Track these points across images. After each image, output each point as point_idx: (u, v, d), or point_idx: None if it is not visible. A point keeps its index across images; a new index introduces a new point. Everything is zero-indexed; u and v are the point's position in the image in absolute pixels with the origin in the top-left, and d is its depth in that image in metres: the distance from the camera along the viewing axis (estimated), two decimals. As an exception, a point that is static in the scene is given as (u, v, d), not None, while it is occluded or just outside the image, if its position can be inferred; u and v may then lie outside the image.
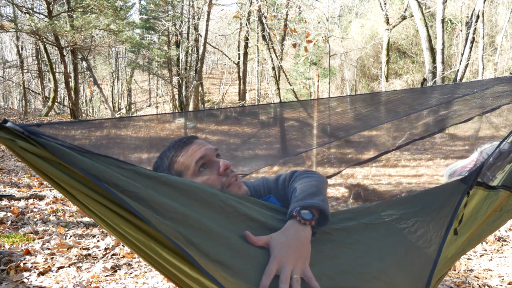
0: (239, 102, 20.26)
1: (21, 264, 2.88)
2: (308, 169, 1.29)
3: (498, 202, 1.38)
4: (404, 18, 17.48)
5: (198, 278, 0.93)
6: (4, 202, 4.46)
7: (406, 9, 16.99)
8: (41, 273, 2.81)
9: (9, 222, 3.84)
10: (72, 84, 14.23)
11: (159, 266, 1.01)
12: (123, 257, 3.15)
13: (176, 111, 19.26)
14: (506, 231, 3.81)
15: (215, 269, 0.88)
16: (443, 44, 11.02)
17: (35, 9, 14.14)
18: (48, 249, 3.22)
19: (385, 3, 17.42)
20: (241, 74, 20.54)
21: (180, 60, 19.71)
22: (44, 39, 13.22)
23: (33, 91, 24.67)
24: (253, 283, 0.90)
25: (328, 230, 1.04)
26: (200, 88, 16.56)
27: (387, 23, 17.54)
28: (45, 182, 5.73)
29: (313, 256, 0.98)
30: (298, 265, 0.95)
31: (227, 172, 1.17)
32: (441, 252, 1.08)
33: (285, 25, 18.48)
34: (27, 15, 13.21)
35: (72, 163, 0.83)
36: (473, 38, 10.80)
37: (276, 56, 12.50)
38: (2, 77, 22.60)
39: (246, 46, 19.54)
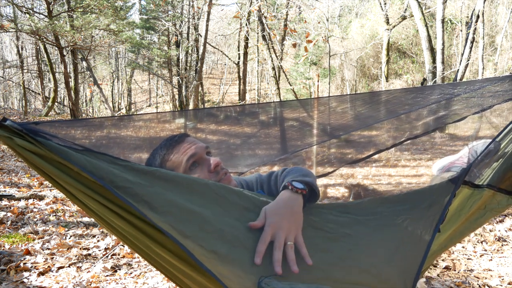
0: (239, 102, 20.25)
1: (21, 264, 2.88)
2: (299, 166, 1.31)
3: (482, 200, 1.38)
4: (404, 18, 17.48)
5: (192, 274, 0.93)
6: (4, 202, 4.46)
7: (406, 9, 16.98)
8: (41, 273, 2.81)
9: (9, 222, 3.84)
10: (72, 84, 14.23)
11: (155, 263, 1.02)
12: (123, 257, 3.15)
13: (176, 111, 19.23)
14: (506, 231, 3.81)
15: (210, 260, 0.89)
16: (443, 44, 11.02)
17: (35, 9, 14.14)
18: (48, 249, 3.22)
19: (385, 3, 17.42)
20: (241, 74, 20.53)
21: (180, 60, 19.71)
22: (44, 39, 13.22)
23: (33, 91, 24.67)
24: (248, 271, 0.92)
25: (321, 224, 1.07)
26: (200, 88, 16.56)
27: (387, 23, 17.53)
28: (45, 182, 5.73)
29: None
30: (291, 232, 0.98)
31: (217, 170, 1.19)
32: (429, 249, 1.10)
33: (285, 25, 18.48)
34: (27, 15, 13.21)
35: (70, 160, 0.84)
36: (473, 38, 10.80)
37: (276, 56, 12.50)
38: (2, 77, 22.60)
39: (246, 46, 19.53)
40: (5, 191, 4.97)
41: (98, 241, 3.47)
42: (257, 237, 0.97)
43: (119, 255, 3.17)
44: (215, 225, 0.94)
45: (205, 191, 0.98)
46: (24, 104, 18.05)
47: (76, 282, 2.68)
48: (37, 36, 12.84)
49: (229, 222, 0.97)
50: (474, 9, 10.94)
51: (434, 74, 11.26)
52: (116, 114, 19.86)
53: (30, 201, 4.63)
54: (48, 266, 2.90)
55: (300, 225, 1.01)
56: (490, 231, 3.80)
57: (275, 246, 0.95)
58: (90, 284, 2.67)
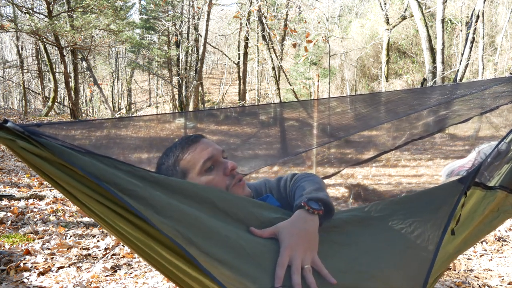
0: (239, 102, 20.26)
1: (21, 264, 2.88)
2: (307, 171, 1.30)
3: (495, 202, 1.37)
4: (404, 18, 17.48)
5: (198, 277, 0.93)
6: (4, 202, 4.46)
7: (406, 9, 16.98)
8: (41, 273, 2.81)
9: (9, 222, 3.84)
10: (72, 84, 14.22)
11: (159, 265, 1.02)
12: (123, 257, 3.15)
13: (176, 111, 19.26)
14: (506, 231, 3.81)
15: (215, 267, 0.88)
16: (443, 44, 11.02)
17: (35, 9, 14.13)
18: (48, 249, 3.22)
19: (385, 3, 17.42)
20: (241, 74, 20.54)
21: (180, 60, 19.71)
22: (44, 39, 13.22)
23: (33, 91, 24.66)
24: (253, 280, 0.91)
25: (327, 231, 1.05)
26: (200, 88, 16.56)
27: (387, 23, 17.53)
28: (45, 182, 5.73)
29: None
30: (307, 254, 0.96)
31: (232, 173, 1.17)
32: (438, 252, 1.08)
33: (285, 25, 18.48)
34: (27, 15, 13.21)
35: (72, 162, 0.83)
36: (473, 38, 10.80)
37: (276, 56, 12.50)
38: (2, 77, 22.59)
39: (246, 46, 19.53)
40: (5, 191, 4.97)
41: (98, 241, 3.47)
42: (263, 247, 0.96)
43: (119, 255, 3.18)
44: (220, 232, 0.93)
45: (211, 200, 0.97)
46: (24, 104, 18.05)
47: (76, 282, 2.68)
48: (37, 36, 12.84)
49: (235, 230, 0.96)
50: (474, 9, 10.95)
51: (434, 74, 11.27)
52: (116, 114, 19.85)
53: (30, 201, 4.63)
54: (48, 266, 2.90)
55: (316, 247, 0.99)
56: (490, 231, 3.80)
57: (293, 270, 0.93)
58: (90, 284, 2.67)
